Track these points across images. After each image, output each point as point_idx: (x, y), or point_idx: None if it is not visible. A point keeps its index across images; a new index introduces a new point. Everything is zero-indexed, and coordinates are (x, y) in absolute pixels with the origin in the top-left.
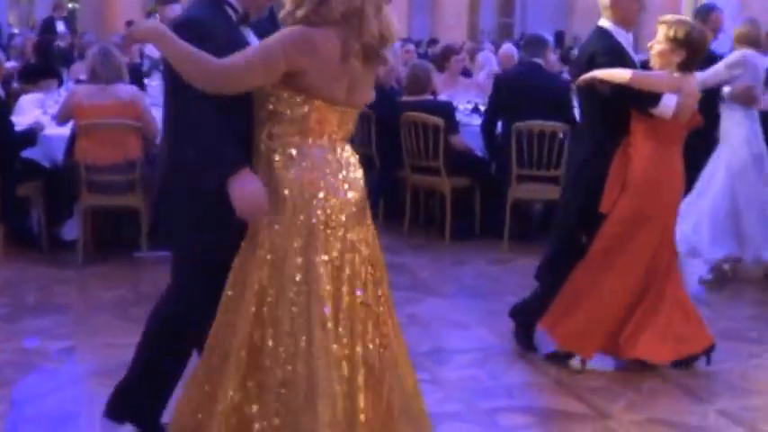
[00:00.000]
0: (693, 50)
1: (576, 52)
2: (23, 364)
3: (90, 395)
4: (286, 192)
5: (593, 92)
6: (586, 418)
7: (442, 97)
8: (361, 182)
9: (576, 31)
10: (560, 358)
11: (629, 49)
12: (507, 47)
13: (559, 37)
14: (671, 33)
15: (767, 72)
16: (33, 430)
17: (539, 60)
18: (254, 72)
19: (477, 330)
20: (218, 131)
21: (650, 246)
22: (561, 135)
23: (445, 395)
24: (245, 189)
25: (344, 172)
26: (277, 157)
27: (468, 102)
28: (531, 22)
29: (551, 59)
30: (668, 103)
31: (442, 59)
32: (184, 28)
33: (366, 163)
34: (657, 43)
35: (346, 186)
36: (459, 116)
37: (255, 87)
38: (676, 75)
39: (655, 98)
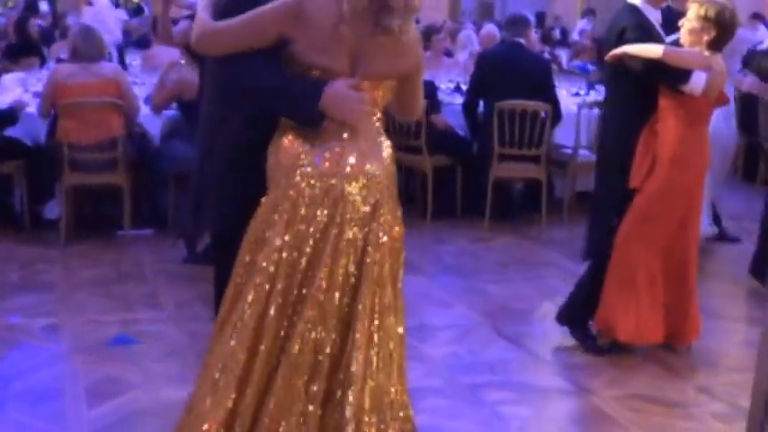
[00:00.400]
0: (724, 30)
1: (557, 33)
2: (8, 341)
3: (74, 371)
4: (278, 157)
5: (622, 68)
6: (568, 394)
7: (425, 76)
8: (383, 158)
9: (558, 11)
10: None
11: (658, 27)
12: (489, 27)
13: (540, 17)
14: (702, 12)
15: (749, 51)
16: (19, 406)
17: (520, 40)
18: (242, 34)
19: (458, 308)
20: (281, 74)
21: (676, 222)
22: (543, 114)
23: (427, 371)
24: (338, 92)
25: (367, 149)
26: (283, 126)
27: (450, 81)
28: (512, 3)
29: (533, 39)
30: (698, 81)
31: (424, 39)
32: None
33: None
34: (688, 21)
35: (351, 160)
36: (441, 95)
37: (245, 49)
38: (706, 53)
39: (685, 75)
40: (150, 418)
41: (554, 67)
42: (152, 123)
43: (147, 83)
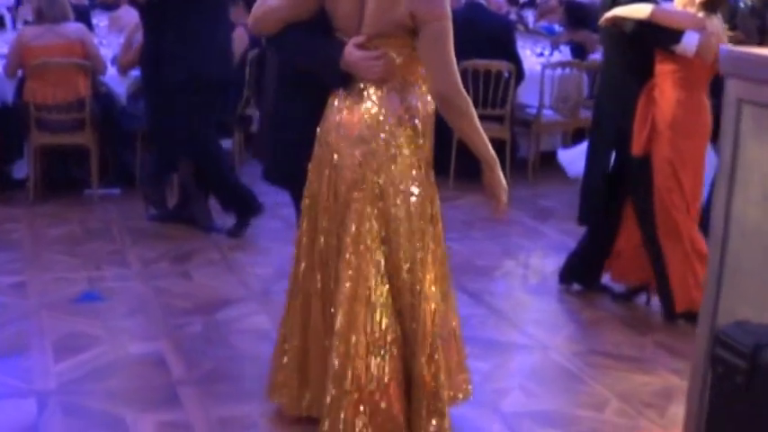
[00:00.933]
0: None
1: None
2: None
3: (41, 327)
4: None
5: (616, 32)
6: (528, 349)
7: None
8: (373, 112)
9: None
10: (628, 297)
11: None
12: None
13: None
14: None
15: None
16: None
17: (480, 0)
18: (287, 5)
19: None
20: (313, 43)
21: (690, 187)
22: (506, 74)
23: None
24: (348, 54)
25: (363, 103)
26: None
27: None
28: None
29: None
30: (690, 41)
31: None
32: None
33: None
34: None
35: (348, 114)
36: None
37: (293, 20)
38: (700, 14)
39: (676, 35)
40: (116, 372)
41: (520, 27)
42: (118, 84)
43: (114, 44)
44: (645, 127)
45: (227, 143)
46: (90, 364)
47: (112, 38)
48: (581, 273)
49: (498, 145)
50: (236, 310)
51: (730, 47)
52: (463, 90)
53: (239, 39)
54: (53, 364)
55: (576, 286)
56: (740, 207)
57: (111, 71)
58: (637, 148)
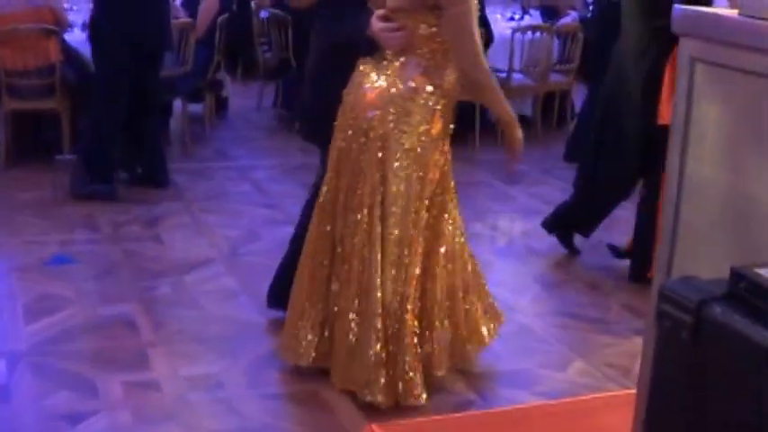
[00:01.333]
0: None
1: None
2: None
3: (12, 289)
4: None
5: None
6: None
7: None
8: (382, 82)
9: None
10: (619, 254)
11: None
12: None
13: None
14: None
15: None
16: None
17: None
18: None
19: None
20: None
21: None
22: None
23: None
24: (372, 24)
25: (375, 74)
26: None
27: None
28: None
29: None
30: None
31: None
32: None
33: (283, 65)
34: None
35: (366, 79)
36: None
37: None
38: None
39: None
40: (85, 333)
41: None
42: (89, 49)
43: (84, 10)
44: (673, 95)
45: (197, 107)
46: (60, 325)
47: (83, 4)
48: (564, 225)
49: (467, 108)
50: (205, 272)
51: (684, 6)
52: (484, 64)
53: (210, 4)
54: (23, 326)
55: (553, 238)
56: (693, 165)
57: (82, 36)
58: (665, 117)
